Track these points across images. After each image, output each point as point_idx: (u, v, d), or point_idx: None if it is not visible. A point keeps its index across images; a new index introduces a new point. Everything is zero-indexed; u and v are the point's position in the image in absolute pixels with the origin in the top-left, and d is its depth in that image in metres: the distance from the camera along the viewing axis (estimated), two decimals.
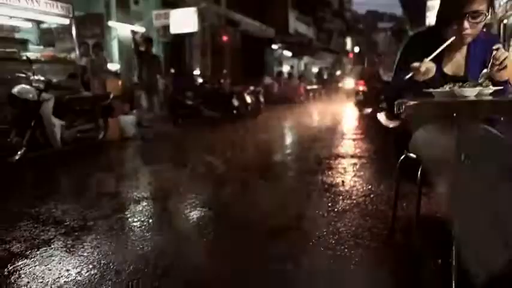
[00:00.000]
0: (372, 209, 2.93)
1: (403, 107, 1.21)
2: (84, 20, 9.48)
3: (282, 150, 5.83)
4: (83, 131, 6.01)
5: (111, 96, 6.61)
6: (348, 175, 4.00)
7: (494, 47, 1.63)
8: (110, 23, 9.82)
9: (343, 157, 4.95)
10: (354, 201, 3.10)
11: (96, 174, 4.52)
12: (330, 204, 3.05)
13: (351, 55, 42.19)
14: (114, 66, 9.37)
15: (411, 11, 13.11)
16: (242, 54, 16.05)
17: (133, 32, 8.44)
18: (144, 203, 3.27)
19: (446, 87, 1.63)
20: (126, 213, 3.05)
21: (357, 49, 46.70)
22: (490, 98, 1.45)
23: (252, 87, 10.47)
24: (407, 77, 1.67)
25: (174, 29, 10.11)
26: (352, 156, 4.99)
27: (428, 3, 8.94)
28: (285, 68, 21.13)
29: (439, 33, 1.86)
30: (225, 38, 14.95)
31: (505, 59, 1.56)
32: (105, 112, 6.42)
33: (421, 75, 1.60)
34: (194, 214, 3.00)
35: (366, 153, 5.28)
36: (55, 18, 6.44)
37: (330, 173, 4.11)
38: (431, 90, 1.66)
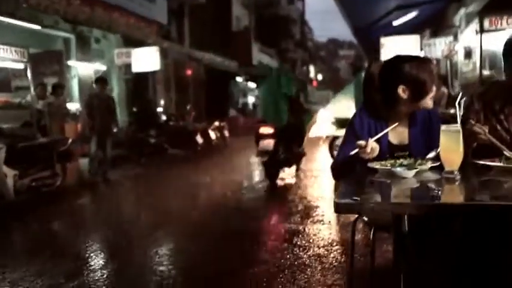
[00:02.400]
0: (332, 261, 2.96)
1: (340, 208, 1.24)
2: (43, 58, 9.30)
3: (245, 192, 5.78)
4: (38, 179, 5.75)
5: (70, 141, 6.43)
6: (311, 222, 4.03)
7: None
8: (70, 62, 9.68)
9: (305, 198, 5.00)
10: (315, 253, 3.12)
11: (49, 230, 4.32)
12: (290, 257, 3.05)
13: (314, 83, 43.52)
14: (74, 106, 9.17)
15: (365, 47, 13.76)
16: (206, 87, 16.19)
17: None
18: (104, 266, 3.14)
19: (388, 164, 1.71)
20: (83, 279, 2.90)
21: (320, 76, 48.30)
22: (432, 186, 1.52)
23: (216, 123, 10.52)
24: (352, 153, 1.74)
25: (135, 68, 10.07)
26: (316, 199, 5.05)
27: (382, 40, 9.45)
28: (250, 99, 21.44)
29: (383, 109, 1.96)
30: (188, 72, 15.05)
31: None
32: (62, 157, 6.21)
33: (366, 154, 1.67)
34: (157, 276, 2.91)
35: (329, 195, 5.36)
36: (9, 63, 6.27)
37: (292, 219, 4.12)
38: (375, 164, 1.73)
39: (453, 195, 1.34)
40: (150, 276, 2.93)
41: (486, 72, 6.06)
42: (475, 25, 6.23)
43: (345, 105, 6.23)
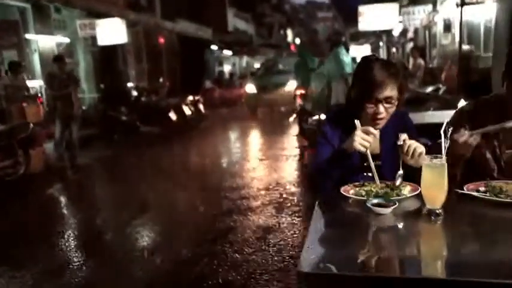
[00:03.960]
0: None
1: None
2: None
3: (216, 177, 5.53)
4: None
5: (31, 126, 6.01)
6: (288, 213, 3.91)
7: (400, 139, 1.60)
8: (28, 35, 8.97)
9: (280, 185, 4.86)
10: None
11: (7, 232, 4.03)
12: (272, 260, 2.93)
13: (292, 47, 42.67)
14: (36, 83, 8.59)
15: (344, 14, 13.39)
16: (180, 56, 15.52)
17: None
18: (78, 263, 2.94)
19: (363, 192, 1.55)
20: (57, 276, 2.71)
21: (298, 40, 47.38)
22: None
23: (190, 97, 10.11)
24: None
25: (101, 41, 9.44)
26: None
27: (360, 9, 9.12)
28: (226, 68, 20.82)
29: (353, 115, 1.79)
30: (161, 41, 14.35)
31: (414, 150, 1.54)
32: (24, 144, 5.82)
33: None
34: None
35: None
36: None
37: (266, 213, 3.98)
38: (349, 189, 1.57)
39: (433, 264, 1.13)
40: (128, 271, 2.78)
41: (465, 47, 5.89)
42: None
43: (321, 83, 6.06)
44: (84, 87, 10.42)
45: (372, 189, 1.56)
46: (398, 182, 1.56)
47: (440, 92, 5.26)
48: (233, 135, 9.60)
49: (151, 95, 10.26)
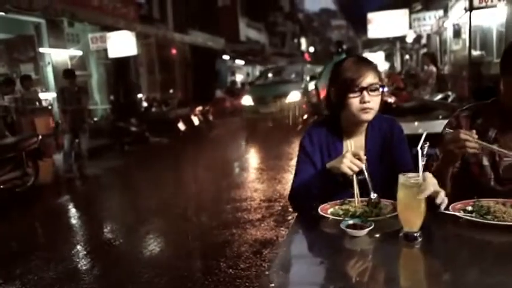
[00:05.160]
0: None
1: None
2: (14, 43, 8.87)
3: (219, 189, 5.45)
4: (7, 180, 5.49)
5: (39, 137, 6.10)
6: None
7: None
8: (42, 49, 9.18)
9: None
10: None
11: (16, 243, 4.06)
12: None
13: (306, 56, 42.63)
14: (50, 96, 8.77)
15: (353, 22, 13.32)
16: (192, 67, 15.65)
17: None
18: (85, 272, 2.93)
19: (340, 211, 1.47)
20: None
21: (312, 49, 47.32)
22: None
23: (200, 107, 10.15)
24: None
25: (112, 53, 9.58)
26: None
27: (369, 16, 9.01)
28: (239, 77, 20.89)
29: (336, 120, 1.71)
30: (173, 52, 14.51)
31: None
32: (33, 155, 5.91)
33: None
34: None
35: None
36: None
37: (265, 226, 3.90)
38: (328, 208, 1.49)
39: None
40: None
41: (476, 53, 5.70)
42: (464, 1, 5.82)
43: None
44: (96, 98, 10.59)
45: (350, 208, 1.47)
46: (372, 196, 1.47)
47: (450, 99, 5.08)
48: (240, 145, 9.54)
49: (161, 105, 10.34)
